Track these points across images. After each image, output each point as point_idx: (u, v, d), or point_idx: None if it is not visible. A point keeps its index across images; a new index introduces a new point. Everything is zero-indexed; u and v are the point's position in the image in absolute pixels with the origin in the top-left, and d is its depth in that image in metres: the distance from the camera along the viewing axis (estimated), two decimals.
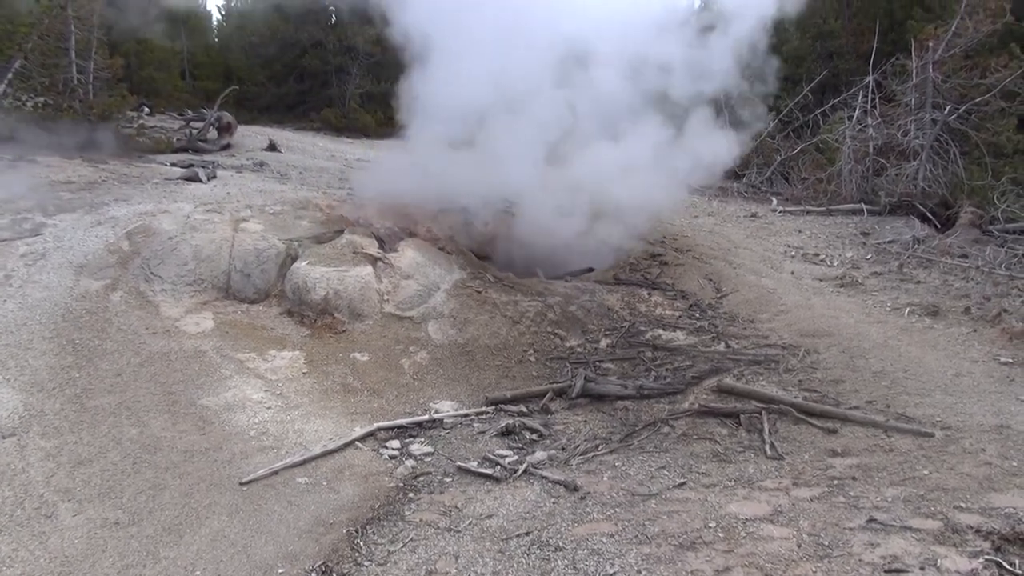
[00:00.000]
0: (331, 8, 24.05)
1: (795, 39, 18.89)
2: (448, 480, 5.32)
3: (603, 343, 8.02)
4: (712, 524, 4.28)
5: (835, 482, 4.76)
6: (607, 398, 6.68)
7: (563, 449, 5.76)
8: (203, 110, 17.13)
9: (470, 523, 4.62)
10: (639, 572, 3.86)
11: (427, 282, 8.32)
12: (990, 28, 13.22)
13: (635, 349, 7.83)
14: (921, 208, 12.91)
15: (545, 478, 5.15)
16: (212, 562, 4.29)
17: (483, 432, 6.13)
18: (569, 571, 3.96)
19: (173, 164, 12.02)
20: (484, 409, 6.59)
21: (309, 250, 8.35)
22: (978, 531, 3.94)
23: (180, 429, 5.63)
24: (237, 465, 5.29)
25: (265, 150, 15.52)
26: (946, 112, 13.32)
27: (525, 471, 5.27)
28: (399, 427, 6.14)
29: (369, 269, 8.13)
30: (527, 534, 4.40)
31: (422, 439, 5.99)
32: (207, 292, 7.66)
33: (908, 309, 8.41)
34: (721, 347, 7.69)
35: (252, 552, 4.40)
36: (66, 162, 10.97)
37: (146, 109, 17.55)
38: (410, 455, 5.69)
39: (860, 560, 3.74)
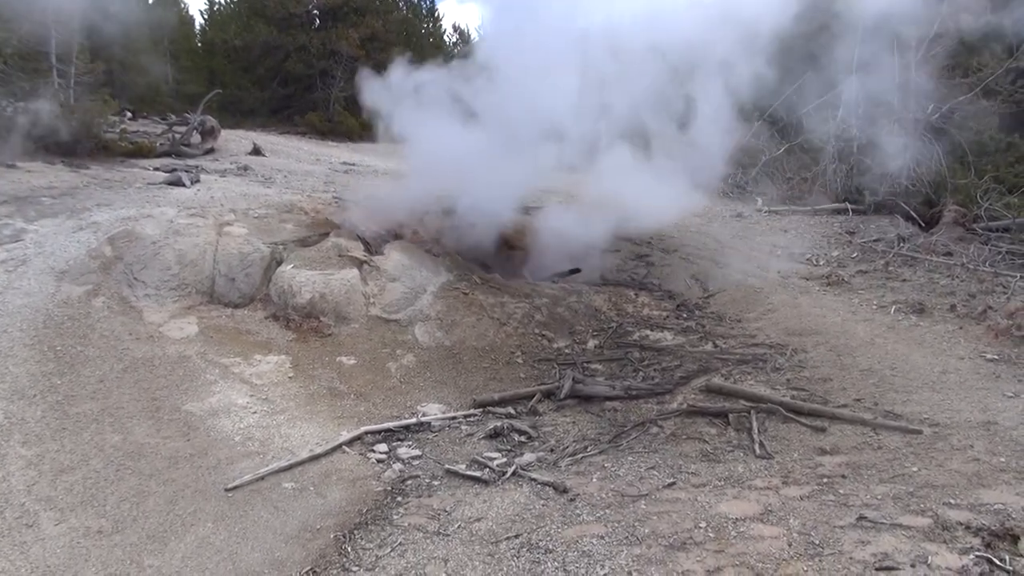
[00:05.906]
0: (314, 12, 23.93)
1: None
2: (436, 483, 5.28)
3: (591, 344, 8.01)
4: (702, 524, 4.26)
5: (825, 480, 4.76)
6: (595, 399, 6.66)
7: (552, 451, 5.73)
8: (186, 114, 17.01)
9: (459, 526, 4.58)
10: (630, 573, 3.83)
11: (413, 284, 8.28)
12: (971, 28, 13.29)
13: (623, 350, 7.83)
14: (905, 207, 12.98)
15: (534, 480, 5.11)
16: (198, 570, 4.24)
17: (471, 435, 6.10)
18: (559, 573, 3.92)
19: (156, 168, 11.93)
20: (472, 411, 6.56)
21: (294, 253, 8.29)
22: (968, 527, 3.93)
23: (164, 435, 5.56)
24: (222, 471, 5.23)
25: (249, 154, 15.42)
26: (929, 111, 13.39)
27: (514, 473, 5.24)
28: (386, 431, 6.10)
29: (355, 272, 8.08)
30: (516, 537, 4.37)
31: (410, 442, 5.95)
32: (191, 297, 7.57)
33: (894, 307, 8.44)
34: (709, 347, 7.69)
35: (238, 559, 4.35)
36: (47, 167, 10.87)
37: (128, 114, 17.40)
38: (398, 458, 5.65)
39: (851, 558, 3.72)
